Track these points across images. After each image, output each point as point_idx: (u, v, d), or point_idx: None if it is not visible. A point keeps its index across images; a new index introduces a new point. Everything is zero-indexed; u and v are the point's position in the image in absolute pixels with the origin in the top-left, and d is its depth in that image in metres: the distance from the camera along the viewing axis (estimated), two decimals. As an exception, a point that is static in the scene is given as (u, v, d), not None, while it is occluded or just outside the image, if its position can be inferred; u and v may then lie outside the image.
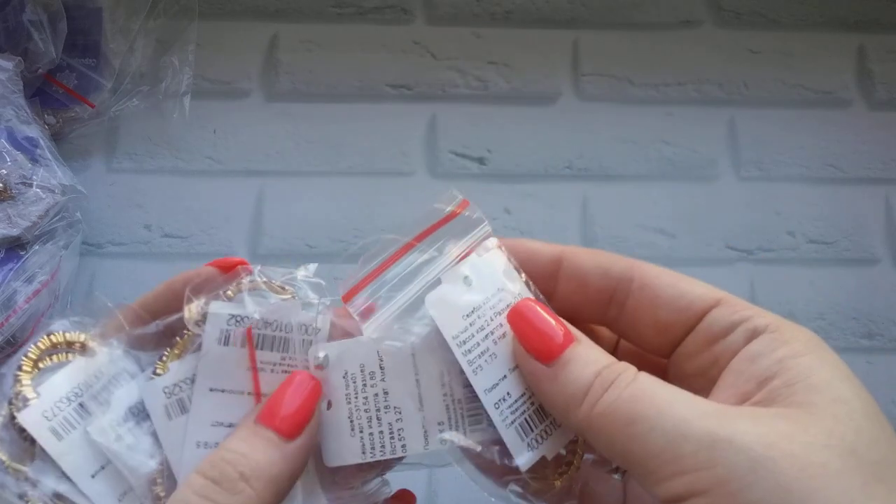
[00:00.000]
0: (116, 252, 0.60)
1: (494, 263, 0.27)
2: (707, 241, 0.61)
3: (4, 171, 0.53)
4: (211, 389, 0.25)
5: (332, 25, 0.66)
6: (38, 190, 0.54)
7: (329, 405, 0.26)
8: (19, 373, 0.25)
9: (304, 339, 0.26)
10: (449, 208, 0.28)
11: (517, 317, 0.25)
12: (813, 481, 0.19)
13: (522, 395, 0.26)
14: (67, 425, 0.25)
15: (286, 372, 0.26)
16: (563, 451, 0.27)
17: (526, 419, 0.26)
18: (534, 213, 0.62)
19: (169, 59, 0.63)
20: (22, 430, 0.24)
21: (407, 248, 0.27)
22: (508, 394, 0.26)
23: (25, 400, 0.25)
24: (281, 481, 0.24)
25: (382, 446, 0.25)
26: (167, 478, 0.25)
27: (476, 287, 0.26)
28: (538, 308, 0.25)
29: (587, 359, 0.24)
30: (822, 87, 0.66)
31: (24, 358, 0.26)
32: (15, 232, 0.53)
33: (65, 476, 0.24)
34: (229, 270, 0.27)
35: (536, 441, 0.26)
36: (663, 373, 0.27)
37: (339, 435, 0.26)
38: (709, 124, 0.65)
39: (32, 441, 0.24)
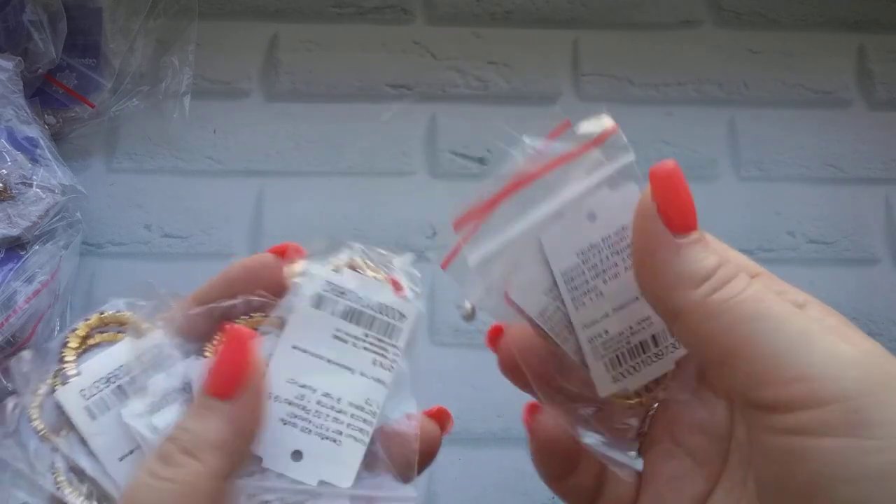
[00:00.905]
0: (116, 252, 0.60)
1: (626, 199, 0.25)
2: (707, 241, 0.61)
3: (4, 171, 0.53)
4: (293, 347, 0.26)
5: (332, 25, 0.66)
6: (38, 190, 0.54)
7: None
8: (65, 349, 0.26)
9: (389, 323, 0.27)
10: (588, 132, 0.26)
11: (662, 175, 0.23)
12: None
13: (621, 334, 0.26)
14: (103, 406, 0.25)
15: (366, 349, 0.26)
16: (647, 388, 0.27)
17: (618, 356, 0.26)
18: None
19: (169, 59, 0.63)
20: (59, 406, 0.25)
21: (533, 176, 0.25)
22: (606, 331, 0.26)
23: (66, 377, 0.25)
24: (229, 443, 0.23)
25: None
26: None
27: (600, 223, 0.25)
28: (685, 182, 0.23)
29: (714, 248, 0.23)
30: (822, 87, 0.66)
31: (71, 334, 0.26)
32: (15, 232, 0.53)
33: (93, 455, 0.24)
34: (285, 256, 0.27)
35: (622, 375, 0.26)
36: None
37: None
38: (709, 124, 0.65)
39: (68, 417, 0.25)
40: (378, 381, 0.26)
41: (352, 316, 0.26)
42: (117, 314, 0.27)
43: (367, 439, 0.26)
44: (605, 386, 0.26)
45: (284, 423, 0.25)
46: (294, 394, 0.25)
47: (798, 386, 0.19)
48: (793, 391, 0.19)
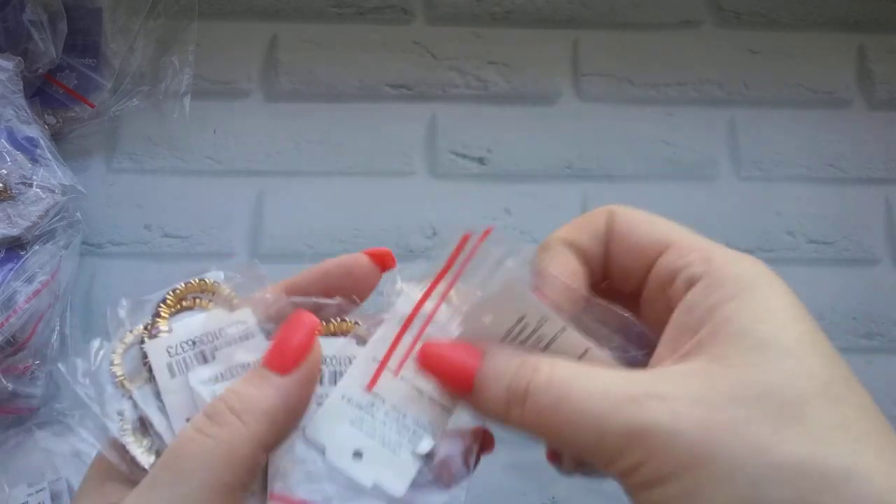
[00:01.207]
0: (116, 252, 0.60)
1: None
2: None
3: (4, 171, 0.53)
4: (374, 359, 0.27)
5: (332, 25, 0.66)
6: (38, 190, 0.54)
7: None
8: (162, 305, 0.27)
9: None
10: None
11: (425, 362, 0.26)
12: (717, 442, 0.20)
13: None
14: (183, 366, 0.26)
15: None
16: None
17: None
18: (534, 213, 0.62)
19: (169, 60, 0.63)
20: (145, 356, 0.26)
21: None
22: None
23: (158, 331, 0.26)
24: (276, 414, 0.24)
25: None
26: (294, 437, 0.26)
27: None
28: (439, 348, 0.26)
29: (495, 375, 0.24)
30: (822, 86, 0.66)
31: (170, 292, 0.27)
32: (15, 232, 0.53)
33: (163, 410, 0.25)
34: (379, 262, 0.29)
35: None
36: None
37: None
38: (709, 124, 0.65)
39: (149, 369, 0.26)
40: (444, 407, 0.27)
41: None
42: (215, 284, 0.28)
43: (423, 453, 0.27)
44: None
45: (352, 424, 0.26)
46: (366, 401, 0.27)
47: (615, 466, 0.21)
48: (614, 469, 0.21)
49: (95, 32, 0.62)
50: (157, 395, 0.25)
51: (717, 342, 0.22)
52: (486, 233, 0.26)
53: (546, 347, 0.26)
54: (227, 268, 0.28)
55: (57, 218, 0.55)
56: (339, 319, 0.28)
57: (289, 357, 0.25)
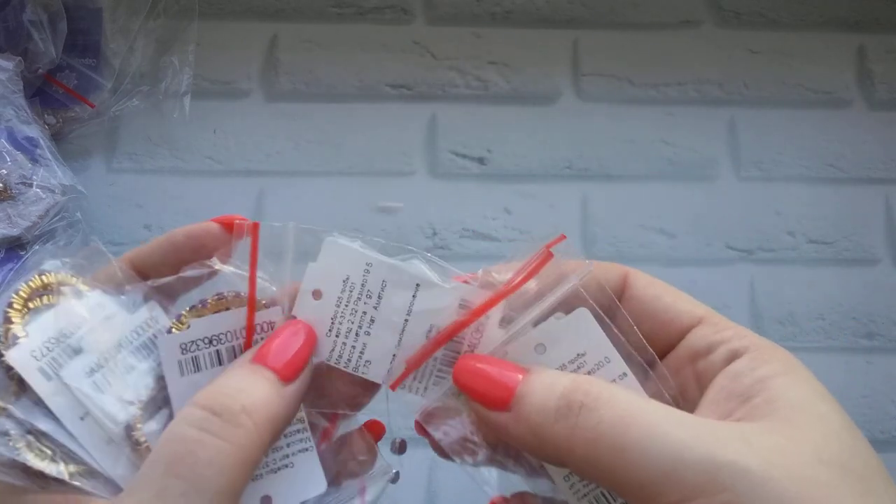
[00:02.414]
0: (116, 252, 0.60)
1: (578, 324, 0.25)
2: (707, 241, 0.61)
3: (4, 171, 0.53)
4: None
5: (331, 25, 0.66)
6: (38, 190, 0.54)
7: (317, 295, 0.26)
8: (9, 310, 0.25)
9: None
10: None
11: (461, 376, 0.24)
12: (811, 496, 0.19)
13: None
14: (56, 366, 0.24)
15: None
16: None
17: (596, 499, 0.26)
18: (534, 213, 0.62)
19: (169, 59, 0.63)
20: (9, 369, 0.24)
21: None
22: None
23: (15, 338, 0.24)
24: (277, 422, 0.23)
25: (349, 360, 0.26)
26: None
27: (551, 353, 0.25)
28: (478, 361, 0.24)
29: (545, 385, 0.22)
30: (822, 86, 0.66)
31: (14, 295, 0.25)
32: (15, 232, 0.53)
33: (51, 416, 0.23)
34: (230, 228, 0.27)
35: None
36: None
37: (317, 330, 0.27)
38: (709, 124, 0.65)
39: (20, 380, 0.23)
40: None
41: (226, 358, 0.27)
42: (58, 275, 0.26)
43: (311, 443, 0.26)
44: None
45: None
46: None
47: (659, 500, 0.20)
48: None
49: (95, 32, 0.62)
50: (37, 403, 0.23)
51: (780, 409, 0.21)
52: (555, 241, 0.25)
53: None
54: (64, 253, 0.27)
55: (57, 218, 0.55)
56: (216, 297, 0.27)
57: (294, 367, 0.24)
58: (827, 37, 0.67)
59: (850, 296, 0.61)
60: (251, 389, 0.23)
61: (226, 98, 0.64)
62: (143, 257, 0.27)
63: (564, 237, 0.26)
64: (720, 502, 0.19)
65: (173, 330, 0.26)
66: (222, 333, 0.26)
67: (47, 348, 0.24)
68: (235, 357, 0.26)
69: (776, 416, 0.21)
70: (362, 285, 0.26)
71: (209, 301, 0.27)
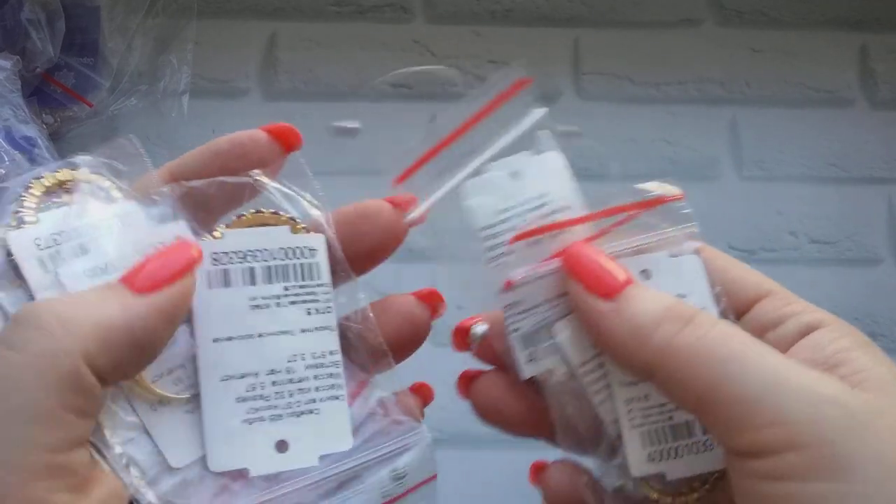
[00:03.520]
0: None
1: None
2: (709, 241, 0.61)
3: (2, 171, 0.53)
4: (214, 341, 0.23)
5: (331, 24, 0.65)
6: (35, 189, 0.54)
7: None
8: (25, 194, 0.22)
9: (302, 264, 0.24)
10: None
11: (572, 258, 0.23)
12: None
13: (663, 405, 0.24)
14: (59, 260, 0.22)
15: (293, 303, 0.24)
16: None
17: (657, 430, 0.24)
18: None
19: (167, 58, 0.63)
20: (9, 253, 0.21)
21: (463, 129, 0.26)
22: (646, 395, 0.24)
23: (22, 221, 0.22)
24: (112, 331, 0.19)
25: None
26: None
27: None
28: (594, 249, 0.24)
29: (654, 295, 0.22)
30: (824, 86, 0.65)
31: (34, 180, 0.23)
32: (12, 232, 0.53)
33: None
34: (281, 139, 0.25)
35: (661, 456, 0.24)
36: None
37: None
38: (710, 123, 0.65)
39: (16, 267, 0.21)
40: (321, 328, 0.24)
41: (260, 277, 0.24)
42: (89, 174, 0.24)
43: (343, 392, 0.24)
44: (639, 464, 0.24)
45: (250, 423, 0.23)
46: (242, 388, 0.23)
47: (774, 430, 0.19)
48: (769, 436, 0.19)
49: (93, 31, 0.62)
50: (28, 299, 0.21)
51: (868, 379, 0.20)
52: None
53: None
54: (101, 153, 0.24)
55: (55, 218, 0.55)
56: (253, 211, 0.24)
57: (149, 276, 0.21)
58: (829, 36, 0.66)
59: (852, 296, 0.61)
60: (81, 295, 0.20)
61: (224, 97, 0.64)
62: (182, 166, 0.25)
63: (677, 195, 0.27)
64: (817, 432, 0.18)
65: (207, 237, 0.24)
66: (258, 250, 0.23)
67: (54, 240, 0.22)
68: (270, 279, 0.23)
69: (866, 386, 0.20)
70: None
71: (245, 215, 0.24)
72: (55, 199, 0.23)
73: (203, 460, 0.22)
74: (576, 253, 0.23)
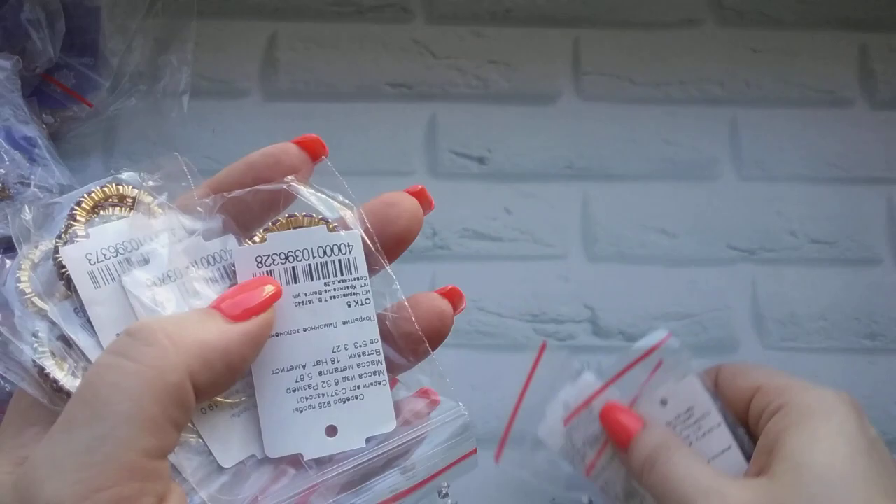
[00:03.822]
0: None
1: (688, 388, 0.39)
2: (708, 240, 0.61)
3: (2, 171, 0.53)
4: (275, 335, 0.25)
5: (331, 24, 0.65)
6: (36, 189, 0.54)
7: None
8: (77, 208, 0.23)
9: (341, 260, 0.26)
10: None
11: (605, 415, 0.39)
12: None
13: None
14: (108, 275, 0.23)
15: (334, 297, 0.26)
16: None
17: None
18: (534, 212, 0.62)
19: (167, 58, 0.63)
20: (62, 267, 0.22)
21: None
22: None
23: (74, 236, 0.23)
24: (211, 352, 0.21)
25: None
26: None
27: (670, 407, 0.40)
28: (615, 411, 0.38)
29: (644, 444, 0.36)
30: (824, 86, 0.65)
31: (85, 195, 0.24)
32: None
33: (87, 328, 0.22)
34: (309, 150, 0.27)
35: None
36: None
37: None
38: (710, 123, 0.65)
39: (68, 281, 0.22)
40: (361, 318, 0.25)
41: (302, 276, 0.25)
42: (136, 190, 0.25)
43: (385, 378, 0.25)
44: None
45: (301, 411, 0.24)
46: (292, 380, 0.24)
47: None
48: None
49: (94, 31, 0.62)
50: (78, 310, 0.22)
51: (774, 462, 0.30)
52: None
53: (702, 436, 0.36)
54: (145, 169, 0.26)
55: (55, 218, 0.55)
56: (287, 215, 0.26)
57: (239, 306, 0.23)
58: (829, 36, 0.66)
59: (852, 296, 0.61)
60: (183, 316, 0.22)
61: (224, 97, 0.64)
62: (219, 180, 0.26)
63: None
64: None
65: (248, 242, 0.25)
66: (298, 251, 0.25)
67: (104, 255, 0.23)
68: (311, 277, 0.25)
69: (772, 471, 0.31)
70: None
71: (280, 220, 0.26)
72: (103, 214, 0.24)
73: (252, 458, 0.24)
74: (607, 410, 0.39)
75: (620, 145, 0.64)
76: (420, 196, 0.29)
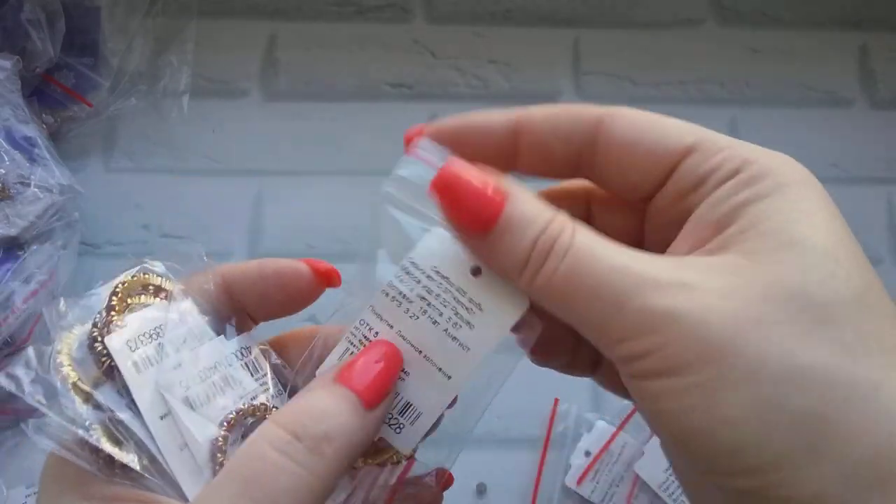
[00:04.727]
0: (115, 252, 0.60)
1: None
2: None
3: (2, 171, 0.53)
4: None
5: (331, 24, 0.65)
6: (36, 190, 0.54)
7: None
8: (114, 298, 0.25)
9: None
10: None
11: (441, 185, 0.22)
12: (745, 338, 0.18)
13: None
14: (147, 361, 0.24)
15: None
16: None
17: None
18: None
19: (167, 58, 0.63)
20: (101, 355, 0.24)
21: None
22: None
23: (115, 326, 0.24)
24: (355, 450, 0.22)
25: None
26: None
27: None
28: (463, 170, 0.22)
29: (522, 221, 0.22)
30: (824, 86, 0.65)
31: (120, 285, 0.26)
32: (13, 232, 0.52)
33: (132, 409, 0.24)
34: (322, 278, 0.27)
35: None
36: (641, 221, 0.25)
37: None
38: (710, 123, 0.64)
39: (108, 368, 0.24)
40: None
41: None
42: (162, 279, 0.27)
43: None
44: None
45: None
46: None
47: (622, 346, 0.20)
48: (620, 350, 0.20)
49: (94, 31, 0.62)
50: (120, 392, 0.24)
51: (748, 239, 0.20)
52: None
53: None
54: (165, 257, 0.27)
55: (55, 218, 0.55)
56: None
57: (377, 391, 0.23)
58: (829, 36, 0.66)
59: (852, 296, 0.61)
60: (336, 413, 0.22)
61: (224, 97, 0.64)
62: (234, 276, 0.27)
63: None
64: (652, 342, 0.19)
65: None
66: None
67: (141, 341, 0.25)
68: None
69: (739, 249, 0.20)
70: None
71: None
72: (132, 303, 0.26)
73: None
74: (444, 178, 0.22)
75: (620, 145, 0.64)
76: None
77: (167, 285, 0.26)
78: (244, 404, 0.25)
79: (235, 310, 0.27)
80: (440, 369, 0.24)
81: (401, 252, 0.24)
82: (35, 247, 0.54)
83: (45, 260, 0.54)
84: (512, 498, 0.56)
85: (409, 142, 0.25)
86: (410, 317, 0.24)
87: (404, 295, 0.24)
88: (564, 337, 0.26)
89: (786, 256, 0.19)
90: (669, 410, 0.19)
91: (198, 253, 0.27)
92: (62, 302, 0.25)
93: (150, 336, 0.25)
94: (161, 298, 0.26)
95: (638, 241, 0.25)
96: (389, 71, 0.64)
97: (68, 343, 0.24)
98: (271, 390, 0.26)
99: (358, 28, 0.65)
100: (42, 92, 0.61)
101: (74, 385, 0.23)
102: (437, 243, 0.24)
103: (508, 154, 0.26)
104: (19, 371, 0.23)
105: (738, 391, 0.18)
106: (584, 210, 0.27)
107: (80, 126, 0.62)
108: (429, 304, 0.24)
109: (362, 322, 0.25)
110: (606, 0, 0.66)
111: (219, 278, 0.27)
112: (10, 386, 0.23)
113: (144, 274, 0.26)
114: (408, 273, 0.24)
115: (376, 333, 0.25)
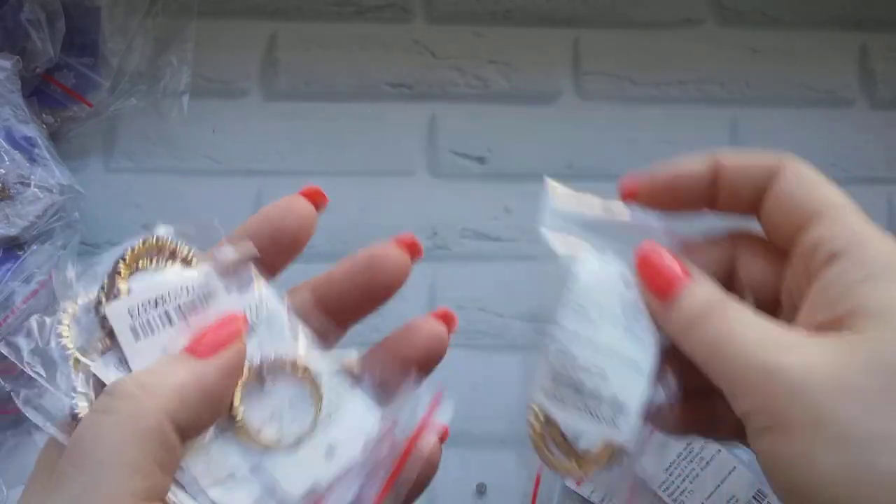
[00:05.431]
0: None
1: None
2: (708, 241, 0.61)
3: (2, 171, 0.53)
4: None
5: (331, 24, 0.65)
6: (35, 190, 0.54)
7: None
8: (120, 262, 0.25)
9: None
10: None
11: (643, 262, 0.29)
12: (845, 403, 0.21)
13: None
14: (148, 329, 0.24)
15: None
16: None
17: None
18: (534, 212, 0.62)
19: (167, 58, 0.63)
20: (104, 320, 0.24)
21: None
22: None
23: (118, 292, 0.24)
24: (186, 390, 0.23)
25: None
26: None
27: None
28: (662, 252, 0.28)
29: (702, 293, 0.26)
30: (824, 86, 0.65)
31: (129, 250, 0.25)
32: (13, 232, 0.53)
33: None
34: (317, 202, 0.30)
35: None
36: (779, 268, 0.28)
37: None
38: (710, 123, 0.65)
39: (110, 334, 0.24)
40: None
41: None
42: (172, 243, 0.26)
43: (347, 384, 0.27)
44: None
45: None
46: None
47: (741, 401, 0.23)
48: (739, 405, 0.23)
49: (94, 31, 0.62)
50: (119, 363, 0.24)
51: (857, 319, 0.22)
52: None
53: None
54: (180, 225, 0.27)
55: (55, 218, 0.55)
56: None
57: (207, 343, 0.24)
58: (829, 36, 0.66)
59: (852, 296, 0.61)
60: (154, 367, 0.23)
61: (224, 97, 0.64)
62: (244, 232, 0.28)
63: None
64: (761, 400, 0.22)
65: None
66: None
67: (144, 308, 0.24)
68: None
69: (849, 327, 0.23)
70: None
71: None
72: (142, 267, 0.25)
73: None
74: (648, 251, 0.29)
75: (620, 145, 0.64)
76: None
77: (183, 251, 0.26)
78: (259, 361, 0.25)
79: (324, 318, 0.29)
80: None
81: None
82: (35, 247, 0.54)
83: (44, 260, 0.54)
84: (512, 498, 0.56)
85: (628, 193, 0.32)
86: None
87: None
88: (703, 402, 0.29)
89: (889, 335, 0.22)
90: (776, 465, 0.22)
91: (209, 221, 0.27)
92: (69, 268, 0.25)
93: (156, 302, 0.24)
94: (177, 262, 0.26)
95: (775, 286, 0.29)
96: (389, 71, 0.64)
97: (72, 311, 0.24)
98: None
99: (358, 28, 0.65)
100: (42, 92, 0.61)
101: (72, 355, 0.23)
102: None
103: (711, 199, 0.32)
104: (20, 340, 0.23)
105: (830, 452, 0.21)
106: (729, 254, 0.32)
107: (80, 126, 0.62)
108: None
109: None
110: (606, 0, 0.66)
111: (234, 240, 0.28)
112: (10, 355, 0.23)
113: (156, 238, 0.26)
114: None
115: None
